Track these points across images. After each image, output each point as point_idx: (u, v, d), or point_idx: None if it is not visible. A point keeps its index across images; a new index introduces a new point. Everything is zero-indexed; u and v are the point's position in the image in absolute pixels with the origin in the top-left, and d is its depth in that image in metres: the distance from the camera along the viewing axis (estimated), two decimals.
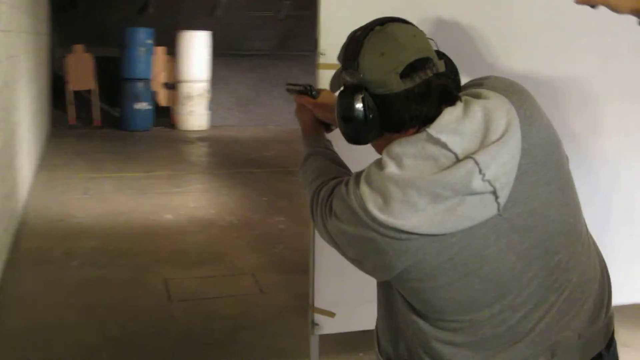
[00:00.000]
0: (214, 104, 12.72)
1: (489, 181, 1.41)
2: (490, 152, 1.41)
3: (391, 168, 1.46)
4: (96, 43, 11.96)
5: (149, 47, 11.85)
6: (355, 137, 1.58)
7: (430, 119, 1.48)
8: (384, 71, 1.49)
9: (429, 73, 1.49)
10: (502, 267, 1.48)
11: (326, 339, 3.00)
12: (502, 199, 1.43)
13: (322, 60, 2.44)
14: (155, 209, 6.78)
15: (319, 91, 2.02)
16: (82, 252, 5.39)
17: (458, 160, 1.42)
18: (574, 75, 2.76)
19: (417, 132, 1.49)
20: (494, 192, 1.42)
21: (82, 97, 11.87)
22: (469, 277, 1.48)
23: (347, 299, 2.71)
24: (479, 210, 1.43)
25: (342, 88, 1.59)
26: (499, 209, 1.43)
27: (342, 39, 1.62)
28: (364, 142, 1.60)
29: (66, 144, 10.22)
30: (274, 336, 4.00)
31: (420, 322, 1.58)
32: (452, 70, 1.58)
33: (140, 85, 11.77)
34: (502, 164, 1.42)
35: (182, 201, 7.27)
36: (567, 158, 1.58)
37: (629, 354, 1.71)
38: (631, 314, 2.74)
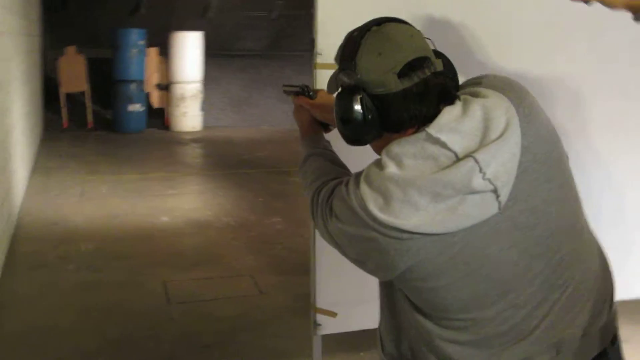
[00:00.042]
0: (207, 105, 12.70)
1: (489, 180, 1.41)
2: (490, 151, 1.41)
3: (391, 168, 1.46)
4: (88, 44, 11.93)
5: (141, 49, 11.82)
6: (354, 138, 1.58)
7: (429, 118, 1.48)
8: (381, 71, 1.49)
9: (427, 72, 1.49)
10: (505, 265, 1.49)
11: (327, 339, 3.00)
12: (503, 198, 1.43)
13: (319, 60, 2.43)
14: (151, 211, 6.77)
15: (316, 92, 2.01)
16: (78, 256, 5.37)
17: (458, 159, 1.42)
18: (568, 75, 2.76)
19: (416, 132, 1.49)
20: (495, 191, 1.42)
21: (74, 99, 11.83)
22: (471, 276, 1.48)
23: (348, 298, 2.71)
24: (480, 209, 1.43)
25: (339, 89, 1.58)
26: (500, 208, 1.44)
27: (340, 39, 1.62)
28: (364, 143, 1.60)
29: (60, 147, 10.19)
30: (273, 337, 4.00)
31: (424, 321, 1.59)
32: (450, 70, 1.58)
33: (133, 86, 11.73)
34: (502, 163, 1.42)
35: (178, 203, 7.25)
36: (566, 155, 1.58)
37: (626, 350, 1.72)
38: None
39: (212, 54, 12.90)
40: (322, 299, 2.71)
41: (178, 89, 12.11)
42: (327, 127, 2.00)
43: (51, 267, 5.11)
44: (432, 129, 1.45)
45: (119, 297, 4.58)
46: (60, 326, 4.11)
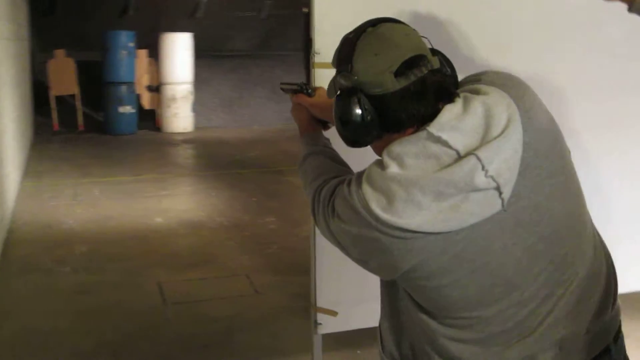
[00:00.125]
0: (198, 106, 12.68)
1: (492, 177, 1.40)
2: (492, 148, 1.41)
3: (393, 168, 1.45)
4: (77, 47, 11.89)
5: (130, 50, 11.79)
6: (354, 140, 1.57)
7: (428, 117, 1.47)
8: (378, 71, 1.48)
9: (424, 70, 1.48)
10: (508, 263, 1.48)
11: (325, 337, 3.00)
12: (506, 195, 1.42)
13: (317, 59, 2.43)
14: (144, 213, 6.76)
15: (315, 89, 2.00)
16: (73, 258, 5.36)
17: (460, 157, 1.41)
18: (562, 72, 2.77)
19: (416, 131, 1.48)
20: (498, 188, 1.41)
21: (64, 102, 11.79)
22: (475, 274, 1.48)
23: (348, 297, 2.71)
24: (483, 206, 1.42)
25: (338, 92, 1.58)
26: (503, 205, 1.43)
27: (337, 38, 1.62)
28: (364, 145, 1.59)
29: (51, 150, 10.16)
30: (270, 336, 4.00)
31: (428, 320, 1.58)
32: (448, 67, 1.58)
33: (123, 88, 11.71)
34: (504, 159, 1.41)
35: (171, 204, 7.24)
36: (568, 151, 1.58)
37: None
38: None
39: (202, 54, 12.89)
40: (322, 298, 2.71)
41: (169, 90, 12.09)
42: (325, 125, 1.99)
43: (46, 270, 5.09)
44: (433, 128, 1.44)
45: (114, 298, 4.58)
46: (57, 328, 4.10)
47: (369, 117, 1.51)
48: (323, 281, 2.69)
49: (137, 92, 12.07)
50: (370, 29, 1.54)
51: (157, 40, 12.09)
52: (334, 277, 2.68)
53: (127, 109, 11.73)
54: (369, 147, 1.63)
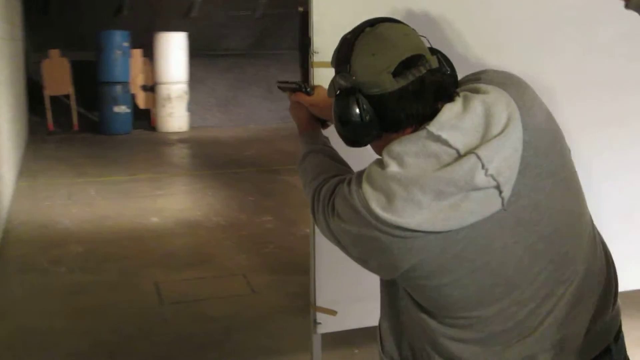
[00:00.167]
0: (193, 105, 12.68)
1: (492, 176, 1.40)
2: (492, 147, 1.40)
3: (393, 167, 1.45)
4: (71, 47, 11.87)
5: (125, 50, 11.78)
6: (353, 140, 1.57)
7: (426, 117, 1.47)
8: (376, 71, 1.48)
9: (422, 70, 1.48)
10: (509, 262, 1.48)
11: (322, 336, 3.00)
12: (506, 194, 1.42)
13: (316, 58, 2.43)
14: (140, 212, 6.75)
15: (313, 88, 2.00)
16: (69, 258, 5.35)
17: (460, 156, 1.41)
18: (556, 71, 2.77)
19: (415, 130, 1.48)
20: (498, 187, 1.41)
21: (59, 102, 11.77)
22: (475, 273, 1.48)
23: (348, 297, 2.71)
24: (483, 205, 1.42)
25: (337, 92, 1.57)
26: (503, 204, 1.43)
27: (335, 37, 1.61)
28: (363, 144, 1.59)
29: (46, 150, 10.14)
30: (268, 336, 3.99)
31: (428, 320, 1.58)
32: (448, 66, 1.57)
33: (118, 88, 11.70)
34: (504, 158, 1.41)
35: (167, 203, 7.23)
36: (569, 149, 1.57)
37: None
38: None
39: (197, 54, 12.88)
40: (321, 298, 2.71)
41: (164, 90, 12.08)
42: (324, 124, 1.99)
43: (42, 270, 5.08)
44: (433, 127, 1.44)
45: (111, 298, 4.57)
46: (53, 328, 4.09)
47: (367, 117, 1.50)
48: (322, 280, 2.69)
49: (132, 91, 12.07)
50: (368, 29, 1.54)
51: (151, 39, 12.08)
52: (333, 277, 2.67)
53: (122, 109, 11.73)
54: (368, 146, 1.63)
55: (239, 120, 13.27)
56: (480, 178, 1.39)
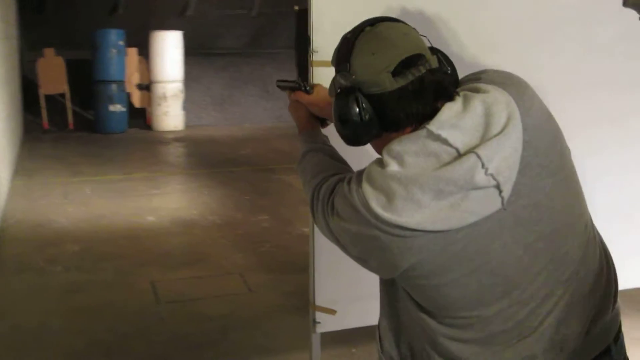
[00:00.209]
0: (189, 104, 12.67)
1: (492, 175, 1.40)
2: (492, 146, 1.40)
3: (393, 166, 1.44)
4: (67, 46, 11.84)
5: (120, 49, 11.76)
6: (353, 139, 1.57)
7: (426, 116, 1.47)
8: (375, 71, 1.48)
9: (422, 69, 1.48)
10: (509, 262, 1.48)
11: (320, 335, 3.00)
12: (506, 193, 1.42)
13: (315, 57, 2.43)
14: (136, 211, 6.74)
15: (313, 87, 2.00)
16: (65, 257, 5.34)
17: (460, 155, 1.41)
18: (552, 70, 2.78)
19: (415, 130, 1.48)
20: (498, 186, 1.41)
21: (54, 101, 11.75)
22: (475, 273, 1.47)
23: (347, 296, 2.71)
24: (483, 205, 1.42)
25: (337, 91, 1.58)
26: (503, 203, 1.42)
27: (335, 36, 1.62)
28: (363, 143, 1.59)
29: (41, 149, 10.13)
30: (264, 335, 4.00)
31: (428, 320, 1.57)
32: (448, 66, 1.57)
33: (113, 87, 11.68)
34: (504, 158, 1.41)
35: (163, 202, 7.23)
36: (568, 149, 1.57)
37: None
38: None
39: (192, 52, 12.87)
40: (321, 297, 2.71)
41: (159, 89, 12.07)
42: (324, 122, 1.99)
43: (38, 269, 5.08)
44: (433, 126, 1.44)
45: (107, 297, 4.56)
46: (49, 327, 4.09)
47: (367, 116, 1.51)
48: (321, 280, 2.69)
49: (128, 90, 12.05)
50: (368, 28, 1.54)
51: (147, 38, 12.06)
52: (332, 276, 2.67)
53: (118, 108, 11.71)
54: (368, 146, 1.63)
55: (234, 119, 13.26)
56: (480, 177, 1.39)
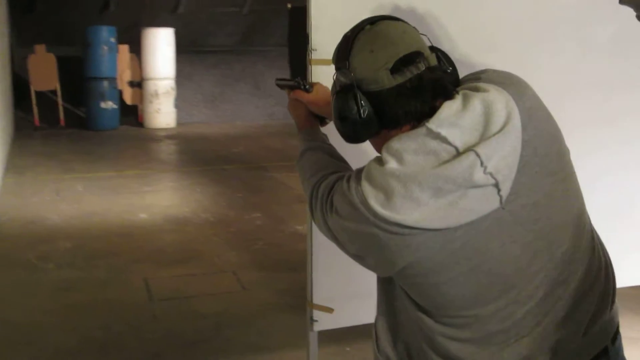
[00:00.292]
0: (180, 102, 12.65)
1: (490, 174, 1.40)
2: (491, 145, 1.40)
3: (392, 164, 1.44)
4: (58, 43, 11.81)
5: (112, 46, 11.73)
6: (352, 136, 1.57)
7: (425, 114, 1.47)
8: (374, 68, 1.48)
9: (421, 67, 1.48)
10: (507, 261, 1.48)
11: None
12: (505, 192, 1.42)
13: (314, 56, 2.43)
14: (129, 209, 6.73)
15: (312, 85, 2.00)
16: (58, 254, 5.33)
17: (459, 153, 1.41)
18: (550, 70, 2.78)
19: (413, 128, 1.48)
20: (496, 185, 1.41)
21: (45, 98, 11.71)
22: (473, 272, 1.47)
23: (344, 294, 2.71)
24: (481, 203, 1.42)
25: (337, 89, 1.58)
26: (501, 202, 1.42)
27: (334, 34, 1.62)
28: (362, 140, 1.59)
29: (32, 146, 10.10)
30: (258, 333, 3.99)
31: (425, 319, 1.57)
32: (448, 64, 1.58)
33: (105, 84, 11.66)
34: (503, 156, 1.41)
35: (155, 200, 7.22)
36: (567, 150, 1.58)
37: None
38: None
39: (184, 50, 12.86)
40: (318, 295, 2.71)
41: (151, 86, 12.05)
42: (323, 121, 1.99)
43: (30, 266, 5.06)
44: (433, 124, 1.44)
45: (100, 295, 4.55)
46: (41, 325, 4.08)
47: (365, 114, 1.51)
48: (319, 278, 2.69)
49: (119, 87, 12.02)
50: (368, 26, 1.54)
51: (138, 35, 12.05)
52: (329, 274, 2.67)
53: (109, 105, 11.69)
54: (367, 145, 1.63)
55: (226, 117, 13.26)
56: (479, 176, 1.39)
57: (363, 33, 1.53)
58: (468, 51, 2.58)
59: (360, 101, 1.50)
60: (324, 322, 2.72)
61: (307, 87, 1.96)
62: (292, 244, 5.63)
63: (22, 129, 11.16)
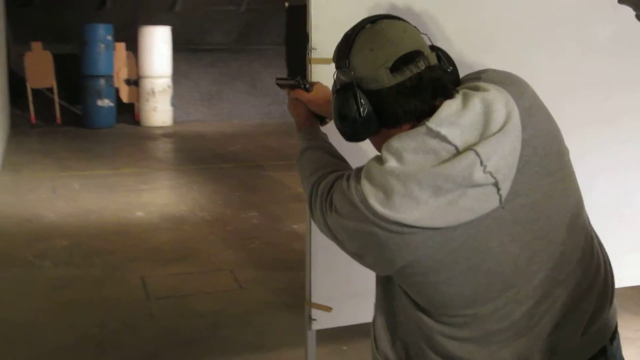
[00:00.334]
0: (177, 100, 12.64)
1: (490, 173, 1.40)
2: (491, 144, 1.40)
3: (392, 163, 1.44)
4: (54, 40, 11.79)
5: (109, 43, 11.72)
6: (351, 135, 1.57)
7: (425, 113, 1.47)
8: (374, 67, 1.48)
9: (421, 66, 1.48)
10: (505, 260, 1.48)
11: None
12: (504, 191, 1.42)
13: (314, 55, 2.42)
14: (125, 207, 6.73)
15: (313, 84, 2.00)
16: (54, 252, 5.32)
17: (459, 152, 1.41)
18: (548, 70, 2.78)
19: (413, 127, 1.48)
20: (496, 184, 1.41)
21: (42, 95, 11.69)
22: (472, 271, 1.48)
23: (343, 293, 2.71)
24: (480, 202, 1.42)
25: (337, 87, 1.58)
26: (500, 201, 1.42)
27: (334, 33, 1.62)
28: (361, 139, 1.59)
29: (29, 143, 10.08)
30: (255, 332, 3.99)
31: (424, 318, 1.57)
32: (449, 64, 1.57)
33: (101, 82, 11.64)
34: (503, 156, 1.41)
35: (152, 198, 7.22)
36: (567, 150, 1.58)
37: None
38: None
39: (181, 48, 12.84)
40: (317, 294, 2.71)
41: (147, 84, 12.04)
42: (323, 120, 1.99)
43: (27, 264, 5.05)
44: (432, 123, 1.44)
45: (97, 293, 4.55)
46: (38, 323, 4.07)
47: (365, 112, 1.50)
48: (317, 277, 2.68)
49: (116, 85, 12.01)
50: (368, 25, 1.54)
51: (135, 33, 12.03)
52: (328, 273, 2.67)
53: (106, 103, 11.68)
54: (367, 144, 1.63)
55: (222, 115, 13.25)
56: (479, 175, 1.39)
57: (363, 32, 1.53)
58: (468, 51, 2.58)
59: (360, 100, 1.50)
60: (322, 321, 2.72)
61: (307, 86, 1.96)
62: (289, 242, 5.63)
63: (18, 126, 11.14)
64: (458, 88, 1.53)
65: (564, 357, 1.56)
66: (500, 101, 1.45)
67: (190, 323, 4.10)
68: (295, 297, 4.28)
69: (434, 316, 1.56)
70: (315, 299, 2.70)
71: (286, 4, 12.17)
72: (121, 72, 12.09)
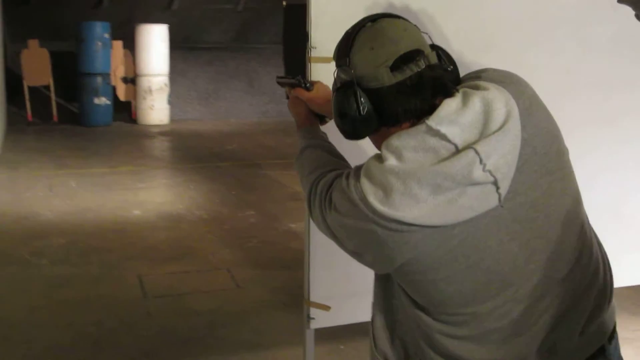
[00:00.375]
0: (174, 98, 12.63)
1: (489, 171, 1.40)
2: (490, 142, 1.41)
3: (391, 161, 1.44)
4: (51, 38, 11.77)
5: (106, 41, 11.71)
6: (351, 133, 1.57)
7: (425, 111, 1.47)
8: (374, 65, 1.48)
9: (421, 65, 1.48)
10: (504, 259, 1.48)
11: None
12: (503, 190, 1.42)
13: (314, 53, 2.42)
14: (122, 205, 6.72)
15: (313, 83, 2.00)
16: (51, 250, 5.31)
17: (458, 151, 1.41)
18: (553, 68, 2.79)
19: (413, 125, 1.48)
20: (495, 183, 1.41)
21: (38, 93, 11.67)
22: (470, 269, 1.48)
23: (341, 292, 2.70)
24: (480, 201, 1.42)
25: (338, 86, 1.58)
26: (500, 200, 1.43)
27: (334, 32, 1.62)
28: (361, 137, 1.59)
29: (26, 141, 10.08)
30: (252, 331, 3.99)
31: (423, 316, 1.58)
32: (449, 63, 1.57)
33: (98, 80, 11.64)
34: (503, 154, 1.41)
35: (149, 196, 7.21)
36: (567, 149, 1.58)
37: None
38: None
39: (178, 46, 12.84)
40: (316, 293, 2.70)
41: (144, 82, 12.03)
42: (323, 119, 1.99)
43: (23, 262, 5.04)
44: (432, 121, 1.44)
45: (94, 291, 4.54)
46: (34, 321, 4.06)
47: (365, 111, 1.51)
48: (316, 276, 2.68)
49: (113, 83, 12.00)
50: (369, 24, 1.54)
51: (132, 31, 12.02)
52: (327, 272, 2.67)
53: (103, 101, 11.67)
54: (366, 142, 1.63)
55: (219, 114, 13.24)
56: (478, 173, 1.40)
57: (364, 30, 1.53)
58: (467, 51, 2.58)
59: (360, 98, 1.50)
60: (320, 319, 2.72)
61: (308, 85, 1.96)
62: (286, 241, 5.63)
63: (14, 124, 11.12)
64: (458, 87, 1.53)
65: (563, 356, 1.57)
66: (500, 100, 1.45)
67: (187, 322, 4.10)
68: (293, 296, 4.28)
69: (432, 314, 1.56)
70: (314, 297, 2.69)
71: (284, 3, 12.18)
72: (118, 70, 12.08)
